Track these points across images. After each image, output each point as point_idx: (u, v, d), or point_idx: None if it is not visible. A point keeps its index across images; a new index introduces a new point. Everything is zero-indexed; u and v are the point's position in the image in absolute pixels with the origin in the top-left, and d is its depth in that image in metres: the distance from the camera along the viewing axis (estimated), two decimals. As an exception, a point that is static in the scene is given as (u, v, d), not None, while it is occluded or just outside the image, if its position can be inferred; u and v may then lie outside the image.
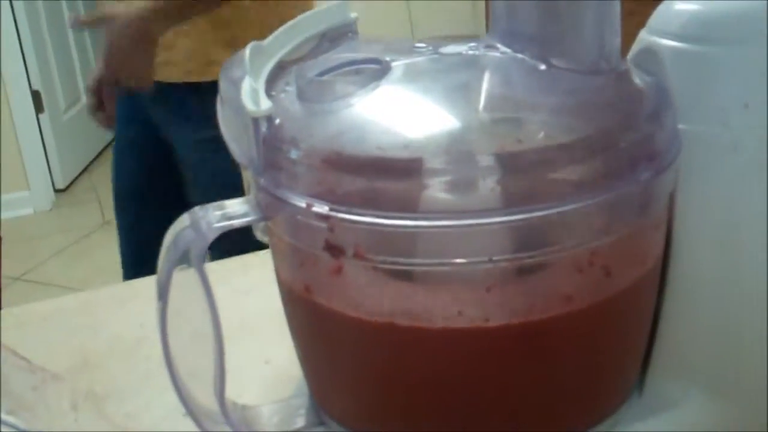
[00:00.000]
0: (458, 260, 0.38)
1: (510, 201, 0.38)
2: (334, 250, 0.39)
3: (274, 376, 0.63)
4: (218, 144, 0.46)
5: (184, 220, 0.42)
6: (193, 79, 1.40)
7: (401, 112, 0.42)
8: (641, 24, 0.47)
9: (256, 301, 0.73)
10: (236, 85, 0.43)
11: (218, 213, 0.42)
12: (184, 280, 0.42)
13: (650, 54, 0.45)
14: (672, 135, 0.42)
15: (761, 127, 0.43)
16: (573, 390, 0.43)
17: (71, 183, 3.43)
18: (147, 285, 0.43)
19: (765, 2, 0.44)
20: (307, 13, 0.49)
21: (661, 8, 0.46)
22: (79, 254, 2.65)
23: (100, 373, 0.66)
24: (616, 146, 0.40)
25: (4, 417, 0.55)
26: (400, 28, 3.32)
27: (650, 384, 0.48)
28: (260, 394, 0.54)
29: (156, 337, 0.44)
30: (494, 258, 0.38)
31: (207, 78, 1.37)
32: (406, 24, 3.36)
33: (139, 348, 0.69)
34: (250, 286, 0.76)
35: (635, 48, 0.47)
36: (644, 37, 0.46)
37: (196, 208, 0.42)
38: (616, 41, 0.43)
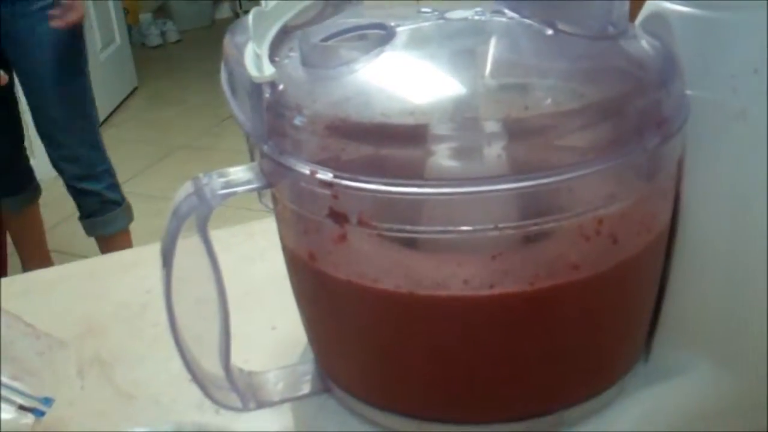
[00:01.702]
0: (464, 228, 0.38)
1: (516, 168, 0.37)
2: (338, 217, 0.39)
3: (279, 342, 0.63)
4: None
5: (187, 188, 0.42)
6: None
7: (406, 78, 0.42)
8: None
9: (261, 267, 0.74)
10: (240, 50, 0.43)
11: (222, 180, 0.42)
12: (188, 246, 0.42)
13: (659, 19, 0.45)
14: (680, 101, 0.42)
15: (770, 93, 0.42)
16: (579, 358, 0.43)
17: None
18: (153, 251, 0.43)
19: (776, -34, 0.44)
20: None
21: (670, -28, 0.46)
22: (85, 221, 2.65)
23: (106, 340, 0.67)
24: (624, 112, 0.39)
25: (6, 381, 0.55)
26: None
27: (656, 352, 0.48)
28: (266, 361, 0.54)
29: (162, 303, 0.44)
30: (500, 225, 0.38)
31: None
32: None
33: (144, 314, 0.69)
34: (255, 253, 0.76)
35: (644, 13, 0.47)
36: (653, 1, 0.46)
37: (200, 176, 0.42)
38: (624, 6, 0.43)
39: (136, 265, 0.78)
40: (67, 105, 2.00)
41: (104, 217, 2.11)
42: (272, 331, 0.65)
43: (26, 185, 2.18)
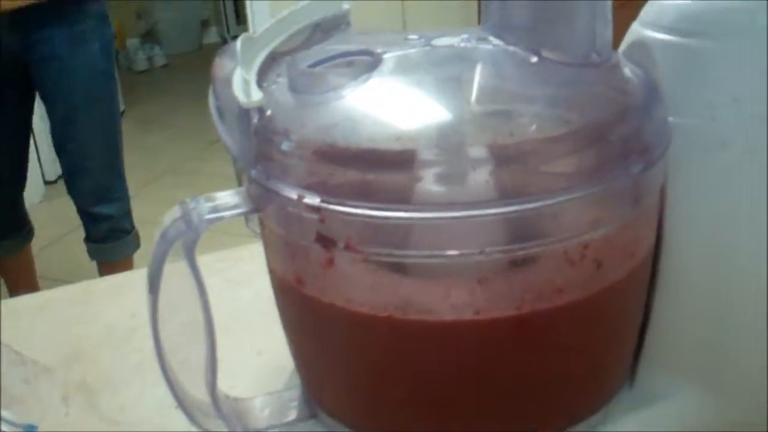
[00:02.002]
0: (450, 252, 0.38)
1: (502, 193, 0.38)
2: (325, 241, 0.39)
3: (266, 367, 0.63)
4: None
5: (174, 212, 0.42)
6: None
7: (393, 103, 0.42)
8: (634, 15, 0.47)
9: (248, 292, 0.74)
10: (228, 75, 0.43)
11: (209, 205, 0.42)
12: (176, 271, 0.42)
13: (641, 47, 0.45)
14: (662, 128, 0.42)
15: (750, 121, 0.43)
16: (564, 382, 0.44)
17: (61, 175, 3.42)
18: (139, 276, 0.43)
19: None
20: (301, 4, 0.49)
21: (652, 1, 0.46)
22: (70, 246, 2.64)
23: (92, 365, 0.66)
24: (607, 139, 0.40)
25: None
26: (393, 20, 3.32)
27: (641, 377, 0.48)
28: (252, 386, 0.54)
29: (148, 328, 0.44)
30: (486, 250, 0.38)
31: None
32: (398, 16, 3.35)
33: (131, 339, 0.69)
34: (243, 278, 0.76)
35: (627, 41, 0.47)
36: (635, 29, 0.46)
37: (187, 200, 0.42)
38: (608, 34, 0.43)
39: (122, 291, 0.78)
40: (99, 132, 1.95)
41: (113, 243, 2.05)
42: (258, 356, 0.65)
43: (22, 228, 2.14)
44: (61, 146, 1.97)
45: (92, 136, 1.94)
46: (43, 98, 1.92)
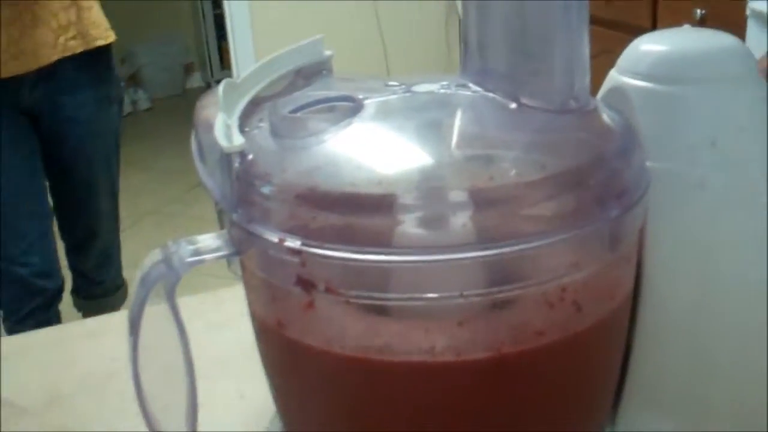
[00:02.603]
0: (430, 295, 0.38)
1: (481, 237, 0.38)
2: (306, 284, 0.39)
3: (249, 411, 0.62)
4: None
5: (155, 255, 0.42)
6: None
7: (374, 148, 0.43)
8: (612, 63, 0.48)
9: (229, 335, 0.73)
10: (210, 120, 0.43)
11: (191, 248, 0.42)
12: (156, 314, 0.42)
13: (619, 93, 0.46)
14: (640, 172, 0.43)
15: (728, 165, 0.44)
16: (545, 423, 0.44)
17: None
18: (120, 319, 0.43)
19: (730, 44, 0.45)
20: (283, 50, 0.50)
21: (629, 48, 0.47)
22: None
23: (71, 409, 0.66)
24: (586, 184, 0.40)
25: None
26: (375, 65, 3.34)
27: (623, 416, 0.49)
28: (234, 430, 0.54)
29: (128, 372, 0.43)
30: (465, 293, 0.38)
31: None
32: (381, 62, 3.38)
33: (110, 383, 0.69)
34: (224, 321, 0.76)
35: (605, 87, 0.48)
36: (613, 76, 0.47)
37: (169, 243, 0.42)
38: (586, 80, 0.44)
39: (102, 333, 0.77)
40: (112, 195, 1.88)
41: (101, 300, 1.97)
42: (241, 399, 0.64)
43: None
44: (78, 214, 1.87)
45: (107, 201, 1.88)
46: (67, 163, 1.80)
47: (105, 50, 1.74)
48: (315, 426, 0.47)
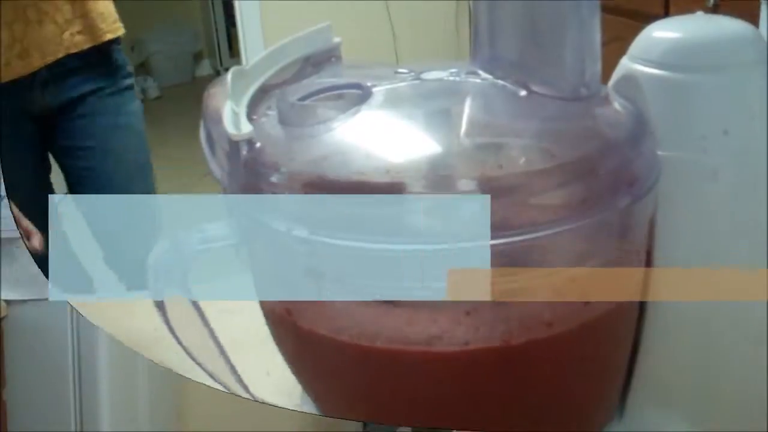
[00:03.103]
0: (438, 284, 0.38)
1: (490, 225, 0.38)
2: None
3: (277, 388, 0.62)
4: None
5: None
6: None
7: (382, 137, 0.42)
8: (623, 50, 0.47)
9: (242, 320, 0.73)
10: (219, 108, 0.43)
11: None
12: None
13: (630, 81, 0.46)
14: (651, 161, 0.43)
15: (740, 154, 0.43)
16: (551, 414, 0.43)
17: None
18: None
19: (743, 31, 0.45)
20: (291, 37, 0.50)
21: (641, 36, 0.47)
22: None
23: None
24: (596, 172, 0.40)
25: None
26: (384, 52, 3.33)
27: (630, 409, 0.48)
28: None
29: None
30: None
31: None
32: (390, 48, 3.37)
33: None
34: (235, 307, 0.76)
35: (616, 74, 0.48)
36: (624, 64, 0.47)
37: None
38: (597, 68, 0.43)
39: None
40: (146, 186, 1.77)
41: None
42: (267, 377, 0.64)
43: None
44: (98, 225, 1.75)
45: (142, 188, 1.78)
46: (88, 165, 1.67)
47: (114, 41, 1.71)
48: (331, 408, 0.47)
